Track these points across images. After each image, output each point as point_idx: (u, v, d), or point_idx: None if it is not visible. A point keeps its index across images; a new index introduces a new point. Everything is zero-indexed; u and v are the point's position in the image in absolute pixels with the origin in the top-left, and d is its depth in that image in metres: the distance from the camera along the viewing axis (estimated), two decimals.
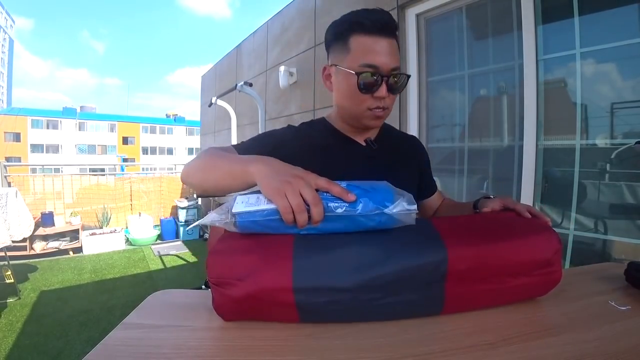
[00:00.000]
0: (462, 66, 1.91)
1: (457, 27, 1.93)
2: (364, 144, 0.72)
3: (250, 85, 2.68)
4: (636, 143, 1.30)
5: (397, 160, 0.75)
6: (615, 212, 1.43)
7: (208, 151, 0.59)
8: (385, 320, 0.45)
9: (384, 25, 0.61)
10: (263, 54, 3.89)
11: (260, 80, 3.90)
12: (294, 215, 0.40)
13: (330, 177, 0.59)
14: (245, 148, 0.65)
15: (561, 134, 1.55)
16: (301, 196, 0.40)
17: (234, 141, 3.31)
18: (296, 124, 0.76)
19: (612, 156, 1.40)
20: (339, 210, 0.42)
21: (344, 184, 0.45)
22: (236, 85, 2.69)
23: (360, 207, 0.42)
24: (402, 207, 0.43)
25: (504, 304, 0.48)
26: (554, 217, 1.58)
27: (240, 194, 0.45)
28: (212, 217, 0.44)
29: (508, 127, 1.74)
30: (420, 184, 0.81)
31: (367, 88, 0.62)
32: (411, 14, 2.07)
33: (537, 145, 1.58)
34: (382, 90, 0.62)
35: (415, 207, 0.43)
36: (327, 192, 0.43)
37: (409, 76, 0.66)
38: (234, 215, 0.42)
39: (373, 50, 0.61)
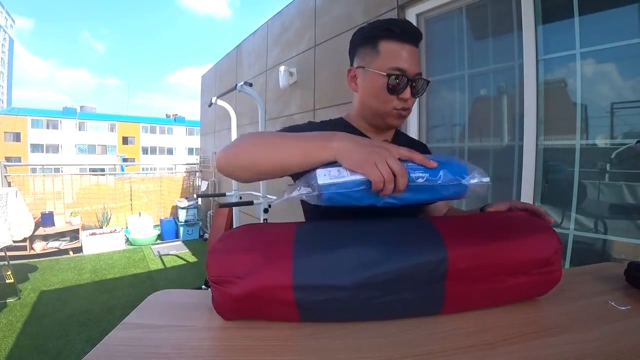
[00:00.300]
0: (462, 66, 1.91)
1: (457, 27, 1.93)
2: None
3: (250, 85, 2.68)
4: (636, 143, 1.30)
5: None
6: (615, 212, 1.43)
7: (254, 134, 0.56)
8: (385, 319, 0.45)
9: (411, 33, 0.67)
10: (263, 54, 3.89)
11: (260, 80, 3.89)
12: (383, 184, 0.43)
13: None
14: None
15: (561, 134, 1.55)
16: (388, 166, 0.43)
17: None
18: (317, 121, 0.80)
19: (612, 156, 1.40)
20: (420, 181, 0.44)
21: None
22: (236, 85, 2.69)
23: (440, 177, 0.44)
24: (478, 180, 0.45)
25: (503, 304, 0.48)
26: (554, 217, 1.58)
27: (320, 168, 0.45)
28: (294, 193, 0.45)
29: (508, 127, 1.74)
30: None
31: (394, 89, 0.67)
32: (411, 14, 2.07)
33: (537, 145, 1.58)
34: (407, 92, 0.67)
35: (488, 179, 0.46)
36: (409, 160, 0.45)
37: (429, 82, 0.71)
38: (319, 187, 0.43)
39: (401, 55, 0.66)
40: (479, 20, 1.86)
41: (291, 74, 3.16)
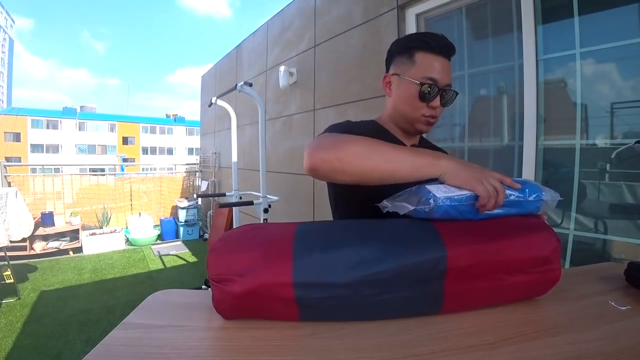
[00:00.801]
0: (462, 66, 1.91)
1: (457, 27, 1.93)
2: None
3: (250, 85, 2.68)
4: (636, 143, 1.30)
5: None
6: (615, 212, 1.43)
7: (354, 140, 0.57)
8: (385, 317, 0.45)
9: (446, 47, 0.72)
10: (263, 54, 3.89)
11: (260, 80, 3.90)
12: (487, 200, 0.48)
13: None
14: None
15: (561, 134, 1.55)
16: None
17: (234, 142, 3.31)
18: (354, 120, 0.85)
19: (612, 156, 1.40)
20: (512, 197, 0.51)
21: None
22: (236, 85, 2.69)
23: (527, 194, 0.51)
24: (551, 196, 0.53)
25: (503, 303, 0.48)
26: (554, 217, 1.58)
27: (429, 185, 0.52)
28: (422, 206, 0.50)
29: (508, 127, 1.74)
30: None
31: (425, 97, 0.72)
32: (411, 14, 2.07)
33: (537, 145, 1.58)
34: (437, 101, 0.72)
35: (558, 195, 0.54)
36: (501, 182, 0.52)
37: (457, 93, 0.75)
38: (438, 199, 0.48)
39: (434, 66, 0.71)
40: (478, 20, 1.86)
41: (291, 74, 3.16)
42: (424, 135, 0.91)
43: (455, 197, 0.49)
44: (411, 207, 0.50)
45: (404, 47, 0.75)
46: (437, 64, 0.71)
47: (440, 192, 0.49)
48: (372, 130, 0.77)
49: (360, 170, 0.54)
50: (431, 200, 0.48)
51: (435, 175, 0.53)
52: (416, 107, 0.74)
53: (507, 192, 0.50)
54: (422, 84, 0.71)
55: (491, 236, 0.46)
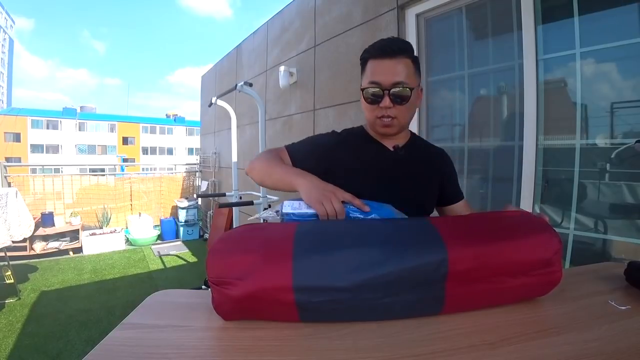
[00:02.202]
0: (462, 66, 1.91)
1: (457, 27, 1.93)
2: (392, 149, 0.84)
3: (250, 85, 2.68)
4: (636, 142, 1.30)
5: (420, 167, 0.86)
6: (615, 212, 1.43)
7: (266, 156, 0.81)
8: (386, 319, 0.45)
9: (386, 49, 0.75)
10: (263, 54, 3.89)
11: (260, 80, 3.89)
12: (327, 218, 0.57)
13: (363, 174, 0.82)
14: (295, 154, 0.83)
15: (561, 134, 1.55)
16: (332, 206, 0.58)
17: (234, 142, 3.31)
18: (338, 129, 0.91)
19: (612, 156, 1.40)
20: (352, 215, 0.59)
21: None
22: (236, 85, 2.69)
23: (371, 217, 0.57)
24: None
25: (504, 304, 0.48)
26: (554, 217, 1.58)
27: (288, 200, 0.63)
28: (266, 215, 0.62)
29: (508, 127, 1.74)
30: (442, 192, 0.90)
31: (372, 100, 0.77)
32: (411, 14, 2.07)
33: (537, 145, 1.58)
34: (385, 101, 0.75)
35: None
36: (350, 203, 0.60)
37: (411, 88, 0.75)
38: (283, 214, 0.59)
39: (376, 70, 0.76)
40: (478, 20, 1.86)
41: (291, 74, 3.16)
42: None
43: (297, 213, 0.59)
44: (271, 215, 0.61)
45: (360, 61, 0.82)
46: (379, 66, 0.75)
47: (288, 208, 0.60)
48: (353, 136, 0.87)
49: (259, 180, 0.79)
50: (281, 213, 0.60)
51: (295, 190, 0.67)
52: (370, 111, 0.79)
53: (354, 215, 0.59)
54: (364, 89, 0.77)
55: (493, 238, 0.46)
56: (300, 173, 0.70)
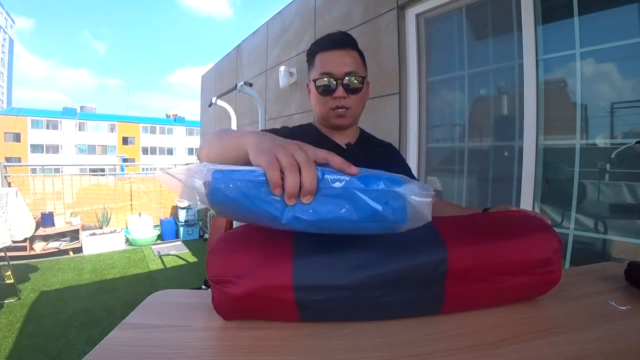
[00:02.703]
0: (462, 66, 1.91)
1: (457, 27, 1.93)
2: (344, 146, 0.82)
3: (250, 85, 2.68)
4: (636, 143, 1.30)
5: (370, 160, 0.81)
6: (615, 212, 1.43)
7: (217, 133, 0.60)
8: (386, 318, 0.45)
9: (336, 41, 0.76)
10: (263, 54, 3.89)
11: (260, 80, 3.89)
12: (282, 180, 0.33)
13: None
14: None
15: (561, 134, 1.55)
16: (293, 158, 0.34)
17: None
18: (291, 126, 0.87)
19: (612, 156, 1.40)
20: (337, 184, 0.33)
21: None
22: (236, 85, 2.69)
23: (367, 183, 0.34)
24: (415, 190, 0.34)
25: (503, 304, 0.48)
26: (554, 217, 1.58)
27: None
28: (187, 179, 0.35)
29: (508, 127, 1.74)
30: None
31: (325, 91, 0.76)
32: (411, 14, 2.07)
33: (537, 145, 1.58)
34: (339, 91, 0.75)
35: (431, 187, 0.35)
36: (326, 164, 0.36)
37: (363, 77, 0.77)
38: (210, 171, 0.34)
39: (327, 61, 0.76)
40: (478, 20, 1.86)
41: (291, 74, 3.16)
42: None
43: (238, 171, 0.34)
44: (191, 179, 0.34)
45: (308, 55, 0.82)
46: (330, 57, 0.75)
47: (221, 167, 0.35)
48: (305, 132, 0.84)
49: (206, 154, 0.55)
50: (206, 174, 0.34)
51: (244, 155, 0.41)
52: (322, 102, 0.78)
53: (332, 177, 0.34)
54: (316, 80, 0.76)
55: (492, 237, 0.46)
56: (253, 131, 0.48)
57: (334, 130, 0.83)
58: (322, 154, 0.37)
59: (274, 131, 0.79)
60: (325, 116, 0.80)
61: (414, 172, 2.10)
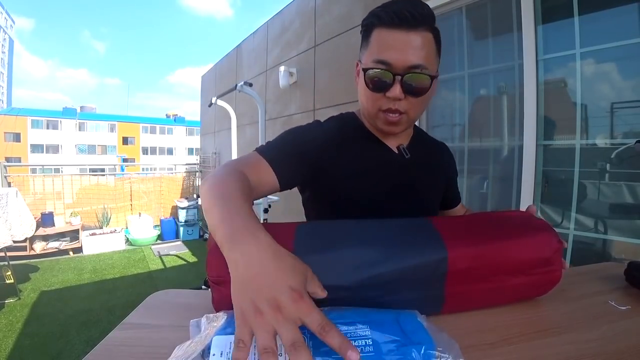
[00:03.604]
0: (462, 66, 1.91)
1: (457, 27, 1.93)
2: (396, 150, 0.67)
3: (250, 85, 2.68)
4: (636, 143, 1.30)
5: (428, 170, 0.70)
6: (615, 212, 1.43)
7: (219, 176, 0.48)
8: None
9: (404, 15, 0.53)
10: (263, 54, 3.89)
11: (260, 80, 3.89)
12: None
13: (362, 181, 0.62)
14: (273, 158, 0.57)
15: (561, 134, 1.55)
16: (276, 334, 0.27)
17: (234, 142, 3.31)
18: (321, 119, 0.69)
19: (612, 156, 1.40)
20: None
21: (352, 313, 0.35)
22: (236, 85, 2.69)
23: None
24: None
25: (504, 303, 0.48)
26: (554, 217, 1.58)
27: (219, 336, 0.32)
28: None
29: (508, 127, 1.74)
30: (446, 194, 0.77)
31: (377, 87, 0.57)
32: None
33: (537, 145, 1.58)
34: (395, 90, 0.55)
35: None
36: (322, 330, 0.27)
37: (434, 77, 0.57)
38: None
39: (387, 44, 0.54)
40: (479, 20, 1.86)
41: (291, 74, 3.16)
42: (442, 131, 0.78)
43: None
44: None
45: (363, 26, 0.60)
46: (392, 39, 0.54)
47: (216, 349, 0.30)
48: (352, 127, 0.67)
49: (204, 209, 0.45)
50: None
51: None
52: (371, 99, 0.59)
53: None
54: (367, 70, 0.56)
55: (492, 237, 0.46)
56: (241, 236, 0.35)
57: (377, 130, 0.66)
58: (316, 323, 0.27)
59: (302, 129, 0.64)
60: (371, 116, 0.62)
61: None
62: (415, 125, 0.71)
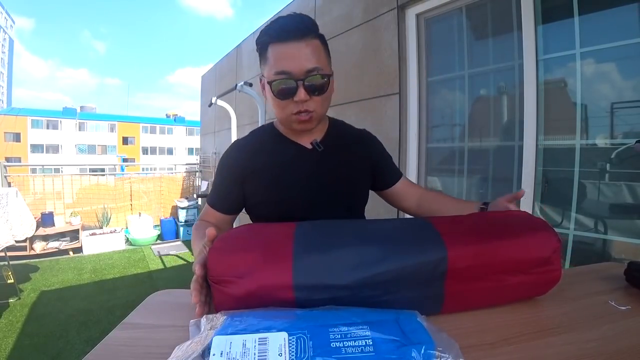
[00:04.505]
0: (462, 66, 1.91)
1: (457, 27, 1.93)
2: (309, 146, 0.73)
3: (250, 85, 2.68)
4: (636, 143, 1.30)
5: (344, 158, 0.75)
6: (615, 212, 1.43)
7: (194, 233, 0.72)
8: None
9: (290, 29, 0.61)
10: None
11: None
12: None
13: (280, 182, 0.71)
14: (214, 200, 0.77)
15: (561, 134, 1.55)
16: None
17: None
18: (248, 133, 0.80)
19: (612, 156, 1.40)
20: None
21: (352, 313, 0.37)
22: (236, 85, 2.69)
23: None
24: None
25: (503, 303, 0.48)
26: (554, 217, 1.58)
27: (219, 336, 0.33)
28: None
29: (508, 127, 1.74)
30: (377, 175, 0.82)
31: (284, 94, 0.64)
32: (411, 14, 2.07)
33: (537, 145, 1.58)
34: (300, 93, 0.62)
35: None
36: None
37: (328, 75, 0.65)
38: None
39: (283, 56, 0.62)
40: (479, 20, 1.86)
41: None
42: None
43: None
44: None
45: (258, 44, 0.66)
46: (286, 51, 0.61)
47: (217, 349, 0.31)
48: (267, 135, 0.76)
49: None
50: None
51: None
52: (282, 106, 0.66)
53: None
54: (272, 82, 0.63)
55: (492, 236, 0.46)
56: (195, 251, 0.57)
57: (293, 132, 0.73)
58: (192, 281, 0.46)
59: (222, 159, 0.76)
60: (286, 121, 0.69)
61: (414, 172, 2.10)
62: (331, 118, 0.80)
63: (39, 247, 4.57)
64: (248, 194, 0.73)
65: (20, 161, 24.00)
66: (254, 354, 0.30)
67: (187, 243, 5.34)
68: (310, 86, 0.62)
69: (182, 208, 5.61)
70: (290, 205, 0.71)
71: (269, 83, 0.64)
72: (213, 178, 0.79)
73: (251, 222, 0.69)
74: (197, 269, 0.45)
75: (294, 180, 0.71)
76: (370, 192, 0.84)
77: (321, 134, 0.76)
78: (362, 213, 0.81)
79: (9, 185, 4.44)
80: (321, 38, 0.66)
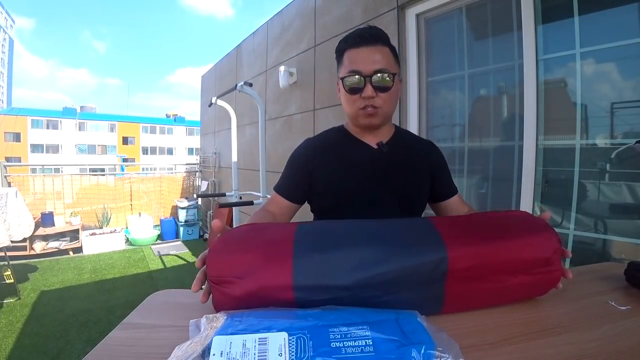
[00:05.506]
0: (462, 66, 1.91)
1: (457, 27, 1.93)
2: (375, 146, 0.80)
3: (250, 85, 2.68)
4: (636, 143, 1.29)
5: (406, 163, 0.81)
6: (615, 212, 1.43)
7: (253, 218, 0.76)
8: None
9: (364, 36, 0.73)
10: (263, 54, 3.89)
11: (260, 80, 3.89)
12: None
13: (343, 176, 0.78)
14: (283, 189, 0.83)
15: (561, 134, 1.55)
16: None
17: (234, 142, 3.31)
18: (311, 133, 0.87)
19: (612, 156, 1.40)
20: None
21: (351, 313, 0.37)
22: (236, 85, 2.69)
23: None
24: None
25: (504, 303, 0.48)
26: (554, 217, 1.58)
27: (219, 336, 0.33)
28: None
29: (508, 127, 1.74)
30: (434, 186, 0.86)
31: (353, 90, 0.73)
32: (411, 14, 2.07)
33: (537, 145, 1.58)
34: (368, 90, 0.71)
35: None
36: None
37: (394, 74, 0.73)
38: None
39: (355, 58, 0.73)
40: (479, 20, 1.86)
41: (291, 74, 3.16)
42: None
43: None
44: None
45: (337, 52, 0.78)
46: (358, 55, 0.72)
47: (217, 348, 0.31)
48: (336, 136, 0.84)
49: None
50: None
51: None
52: (350, 102, 0.75)
53: None
54: (344, 78, 0.73)
55: (492, 237, 0.46)
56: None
57: (364, 130, 0.80)
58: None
59: (293, 154, 0.84)
60: (354, 116, 0.77)
61: None
62: (397, 126, 0.87)
63: (39, 247, 4.57)
64: (314, 184, 0.80)
65: (20, 161, 23.99)
66: (254, 354, 0.31)
67: (187, 243, 5.34)
68: (377, 83, 0.71)
69: (182, 208, 5.61)
70: (349, 199, 0.77)
71: (342, 79, 0.74)
72: (282, 170, 0.86)
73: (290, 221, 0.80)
74: (198, 264, 0.49)
75: (357, 176, 0.77)
76: None
77: (387, 137, 0.82)
78: (421, 210, 0.86)
79: (9, 185, 4.43)
80: (392, 48, 0.76)
